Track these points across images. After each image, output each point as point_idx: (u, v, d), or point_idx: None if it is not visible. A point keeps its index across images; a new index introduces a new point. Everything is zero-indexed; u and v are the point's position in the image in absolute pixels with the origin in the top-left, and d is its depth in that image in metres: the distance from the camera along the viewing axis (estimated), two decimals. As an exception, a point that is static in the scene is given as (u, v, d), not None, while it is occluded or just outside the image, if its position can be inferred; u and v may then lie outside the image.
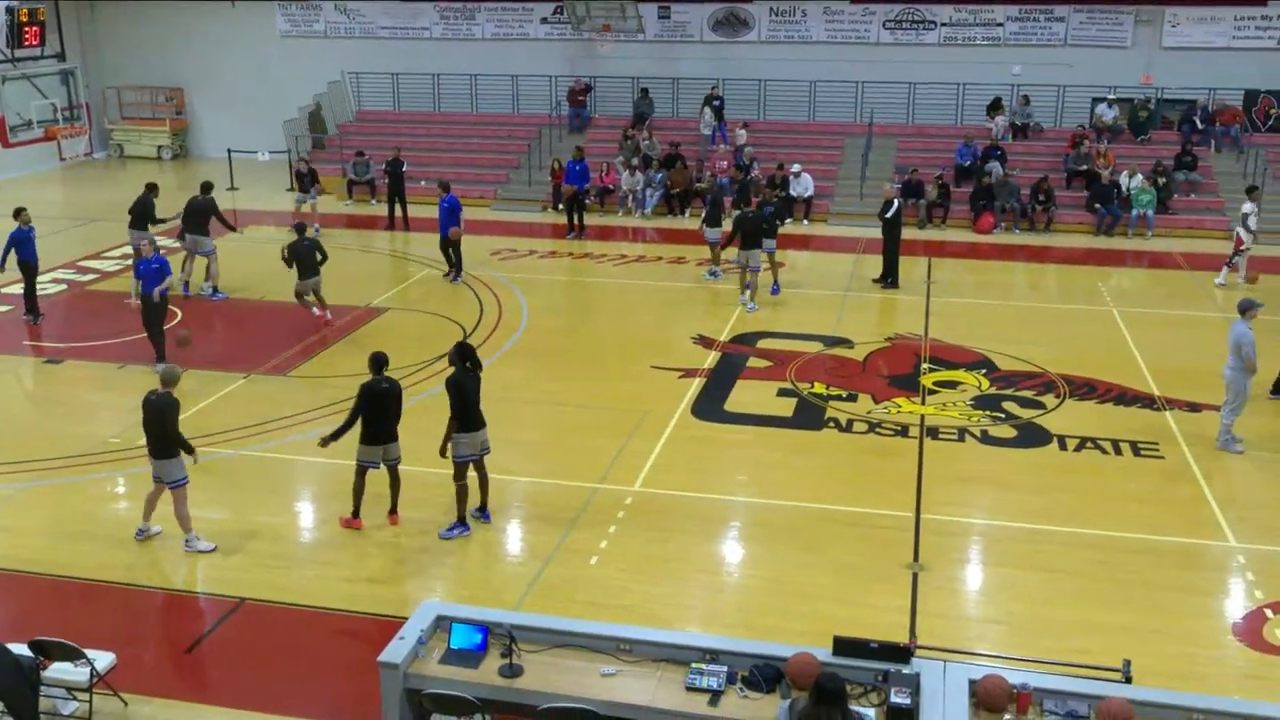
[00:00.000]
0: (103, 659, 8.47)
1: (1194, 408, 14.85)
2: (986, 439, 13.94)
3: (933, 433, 14.09)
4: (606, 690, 7.38)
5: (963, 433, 14.10)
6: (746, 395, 15.38)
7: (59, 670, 8.32)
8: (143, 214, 19.62)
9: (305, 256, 17.71)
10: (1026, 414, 14.69)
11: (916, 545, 11.28)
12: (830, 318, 18.85)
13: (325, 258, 17.98)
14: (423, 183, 26.91)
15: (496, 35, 32.07)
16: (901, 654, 7.35)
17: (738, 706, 7.19)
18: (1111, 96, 28.07)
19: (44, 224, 21.80)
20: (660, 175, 27.16)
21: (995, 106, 28.37)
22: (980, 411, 14.77)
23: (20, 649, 8.17)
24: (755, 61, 30.15)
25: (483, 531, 11.54)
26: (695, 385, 15.68)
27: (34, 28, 25.30)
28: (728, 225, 20.75)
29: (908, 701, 6.98)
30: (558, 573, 10.75)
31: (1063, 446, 13.72)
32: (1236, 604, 10.46)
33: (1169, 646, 9.61)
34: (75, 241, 23.96)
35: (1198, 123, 27.39)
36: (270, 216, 25.41)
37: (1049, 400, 15.16)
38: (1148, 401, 15.17)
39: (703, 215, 21.63)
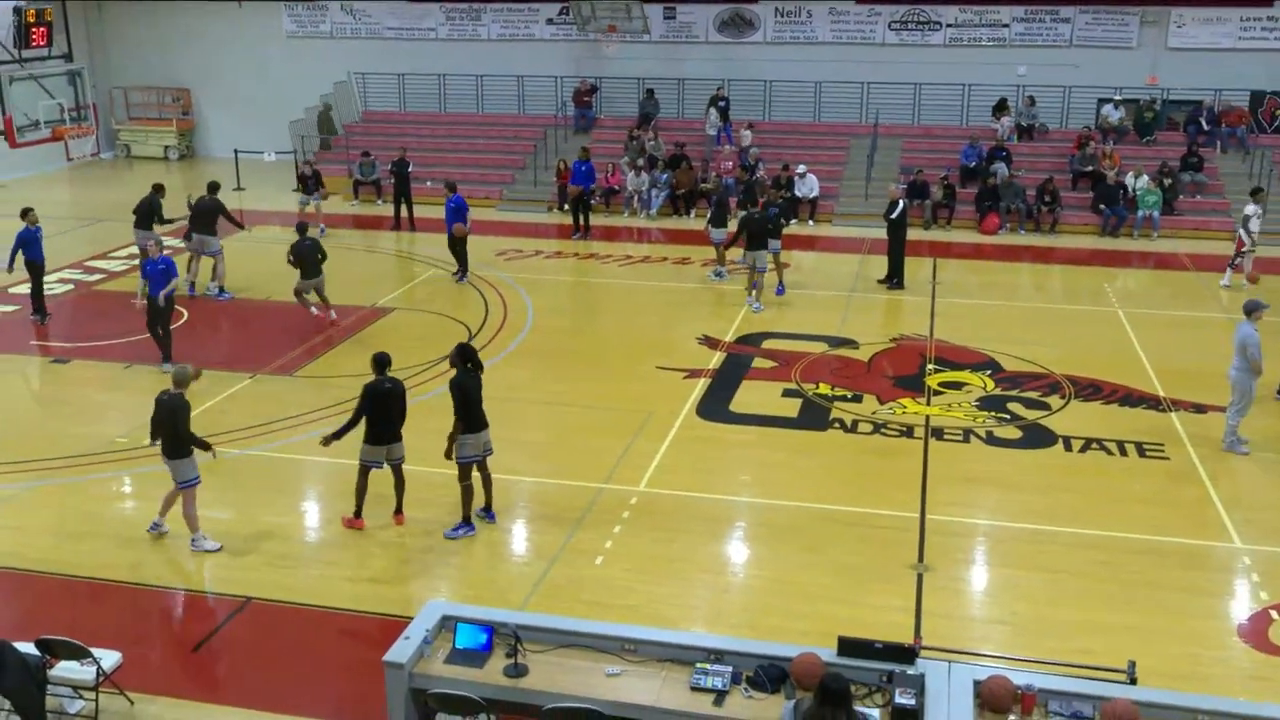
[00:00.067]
0: (109, 658, 8.50)
1: (1199, 409, 14.83)
2: (991, 440, 13.94)
3: (938, 433, 14.09)
4: (611, 690, 7.39)
5: (968, 434, 14.10)
6: (751, 396, 15.38)
7: (65, 669, 8.35)
8: (148, 214, 19.68)
9: (306, 256, 17.77)
10: (1032, 415, 14.69)
11: (921, 546, 11.29)
12: (835, 318, 18.85)
13: (324, 257, 18.03)
14: (428, 183, 26.96)
15: (502, 36, 32.11)
16: (906, 655, 7.35)
17: (742, 707, 7.19)
18: (1117, 97, 28.04)
19: (51, 224, 21.88)
20: (665, 176, 27.17)
21: (1000, 107, 28.35)
22: (985, 412, 14.77)
23: (27, 648, 8.21)
24: (760, 62, 30.15)
25: (488, 531, 11.56)
26: (700, 386, 15.68)
27: (41, 28, 25.27)
28: (733, 226, 20.76)
29: (912, 702, 6.99)
30: (563, 573, 10.76)
31: (1068, 447, 13.72)
32: (1242, 605, 10.45)
33: (1173, 647, 9.61)
34: (82, 242, 24.03)
35: (1203, 124, 27.35)
36: (276, 217, 25.44)
37: (1054, 401, 15.15)
38: (1153, 402, 15.16)
39: (708, 216, 21.64)
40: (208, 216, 19.72)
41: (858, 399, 15.23)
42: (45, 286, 18.66)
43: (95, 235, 24.64)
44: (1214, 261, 22.27)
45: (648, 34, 29.99)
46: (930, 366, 16.50)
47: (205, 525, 11.24)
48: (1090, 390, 15.54)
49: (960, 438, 13.99)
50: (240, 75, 34.08)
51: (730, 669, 7.42)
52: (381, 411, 11.26)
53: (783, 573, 10.83)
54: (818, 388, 15.64)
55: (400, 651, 7.66)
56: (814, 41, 30.08)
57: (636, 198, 27.09)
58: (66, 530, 11.58)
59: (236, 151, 30.47)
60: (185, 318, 18.37)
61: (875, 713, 7.01)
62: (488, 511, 11.69)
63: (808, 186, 26.41)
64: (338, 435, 11.29)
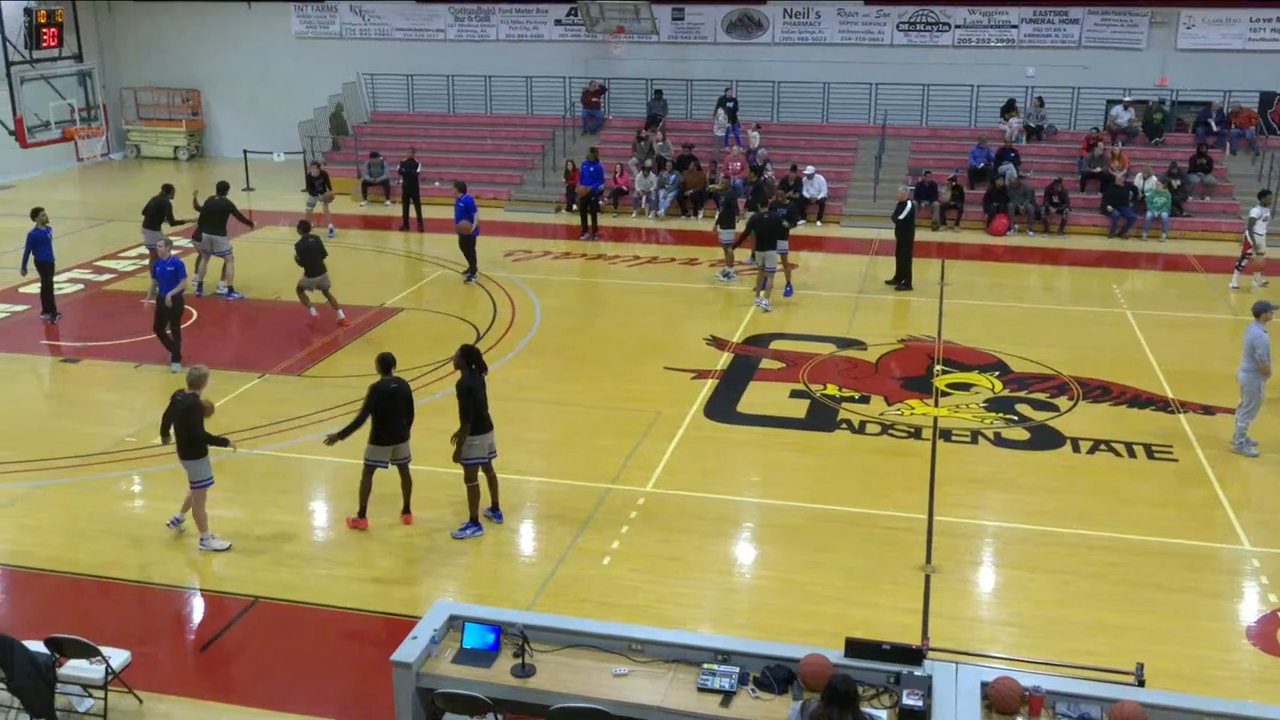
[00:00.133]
0: (118, 656, 8.53)
1: (1208, 410, 14.80)
2: (999, 441, 13.92)
3: (945, 435, 14.08)
4: (618, 690, 7.40)
5: (975, 435, 14.09)
6: (759, 396, 15.38)
7: (74, 667, 8.37)
8: (157, 214, 19.75)
9: (309, 255, 17.83)
10: (1040, 416, 14.67)
11: (929, 547, 11.28)
12: (843, 319, 18.84)
13: (324, 255, 18.10)
14: (436, 184, 27.01)
15: (511, 37, 32.14)
16: (914, 656, 7.35)
17: (749, 707, 7.20)
18: (1126, 98, 27.98)
19: (61, 224, 21.96)
20: (674, 177, 27.18)
21: (1009, 108, 28.32)
22: (993, 414, 14.75)
23: (37, 646, 8.25)
24: (769, 63, 30.17)
25: (495, 531, 11.58)
26: (708, 386, 15.69)
27: (52, 29, 25.39)
28: (741, 226, 20.76)
29: (920, 704, 6.99)
30: (570, 572, 10.78)
31: (1076, 449, 13.70)
32: (1250, 607, 10.43)
33: (1181, 649, 9.59)
34: (92, 242, 24.11)
35: (1213, 125, 27.31)
36: (285, 217, 25.47)
37: (1062, 402, 15.13)
38: (1162, 404, 15.13)
39: (716, 216, 21.64)
40: (217, 216, 19.79)
41: (865, 400, 15.22)
42: (55, 286, 18.73)
43: (105, 235, 24.72)
44: (1223, 263, 22.21)
45: (656, 35, 30.00)
46: (938, 368, 16.48)
47: (214, 524, 11.27)
48: (1099, 392, 15.51)
49: (968, 439, 13.98)
50: (249, 76, 34.19)
51: (737, 670, 7.43)
52: (387, 412, 11.28)
53: (790, 573, 10.83)
54: (825, 389, 15.63)
55: (408, 651, 7.68)
56: (822, 42, 30.07)
57: (645, 198, 27.11)
58: (76, 529, 11.62)
59: (245, 152, 30.54)
60: (195, 317, 18.43)
61: (883, 714, 7.01)
62: (495, 511, 11.72)
63: (816, 187, 26.41)
64: (342, 435, 11.31)
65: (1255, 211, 20.65)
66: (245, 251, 21.42)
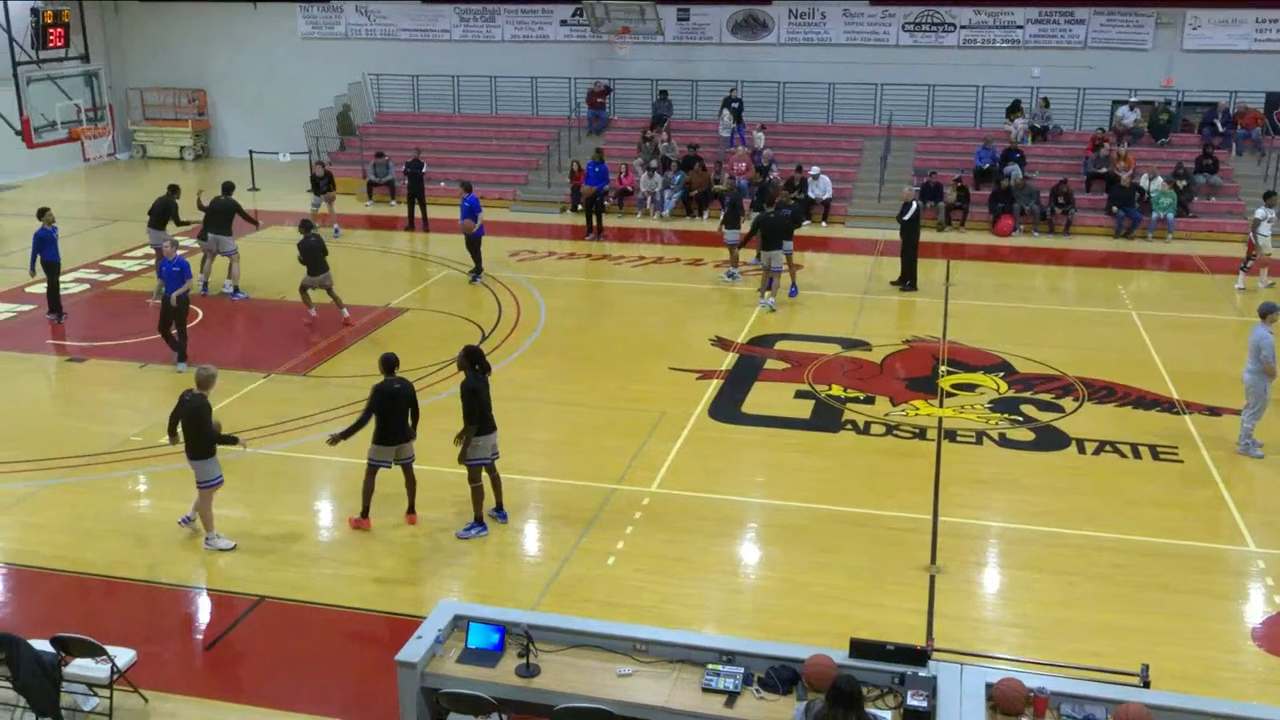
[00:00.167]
0: (123, 655, 8.54)
1: (1214, 411, 14.78)
2: (1004, 442, 13.91)
3: (950, 435, 14.07)
4: (623, 691, 7.40)
5: (981, 435, 14.08)
6: (764, 397, 15.38)
7: (80, 666, 8.40)
8: (162, 214, 19.80)
9: (311, 254, 17.88)
10: (1045, 417, 14.65)
11: (934, 548, 11.27)
12: (848, 320, 18.84)
13: (325, 253, 18.14)
14: (442, 184, 27.04)
15: (516, 37, 32.17)
16: (918, 657, 7.35)
17: (754, 708, 7.20)
18: (1132, 99, 27.94)
19: (67, 224, 22.02)
20: (679, 177, 27.19)
21: (1014, 109, 28.30)
22: (998, 414, 14.74)
23: (42, 645, 8.27)
24: (774, 64, 30.18)
25: (500, 531, 11.59)
26: (713, 387, 15.69)
27: (58, 29, 25.45)
28: (746, 227, 20.77)
29: (925, 704, 6.99)
30: (574, 573, 10.78)
31: (1081, 450, 13.69)
32: (1256, 609, 10.41)
33: (1187, 651, 9.57)
34: (98, 241, 24.16)
35: (1219, 125, 27.25)
36: (290, 217, 25.46)
37: (1068, 403, 15.12)
38: (1167, 405, 15.11)
39: (721, 217, 21.64)
40: (223, 216, 19.83)
41: (870, 401, 15.22)
42: (61, 286, 18.77)
43: (111, 235, 24.77)
44: (1228, 264, 22.18)
45: (661, 35, 30.03)
46: (943, 368, 16.47)
47: (220, 524, 11.29)
48: (1104, 393, 15.49)
49: (973, 440, 13.97)
50: (255, 76, 34.25)
51: (742, 670, 7.43)
52: (390, 412, 11.29)
53: (794, 574, 10.83)
54: (830, 389, 15.63)
55: (412, 651, 7.69)
56: (827, 43, 30.07)
57: (650, 199, 27.11)
58: (82, 528, 11.64)
59: (251, 152, 30.61)
60: (200, 317, 18.46)
61: (887, 715, 7.01)
62: (499, 511, 11.73)
63: (821, 188, 26.40)
64: (345, 435, 11.31)
65: (1260, 213, 20.60)
66: (250, 251, 21.45)
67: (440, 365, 15.93)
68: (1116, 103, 28.25)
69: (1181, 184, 25.42)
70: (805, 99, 29.98)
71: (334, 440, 11.32)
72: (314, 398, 15.20)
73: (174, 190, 20.19)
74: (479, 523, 11.47)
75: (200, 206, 20.11)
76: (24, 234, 18.62)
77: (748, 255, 21.30)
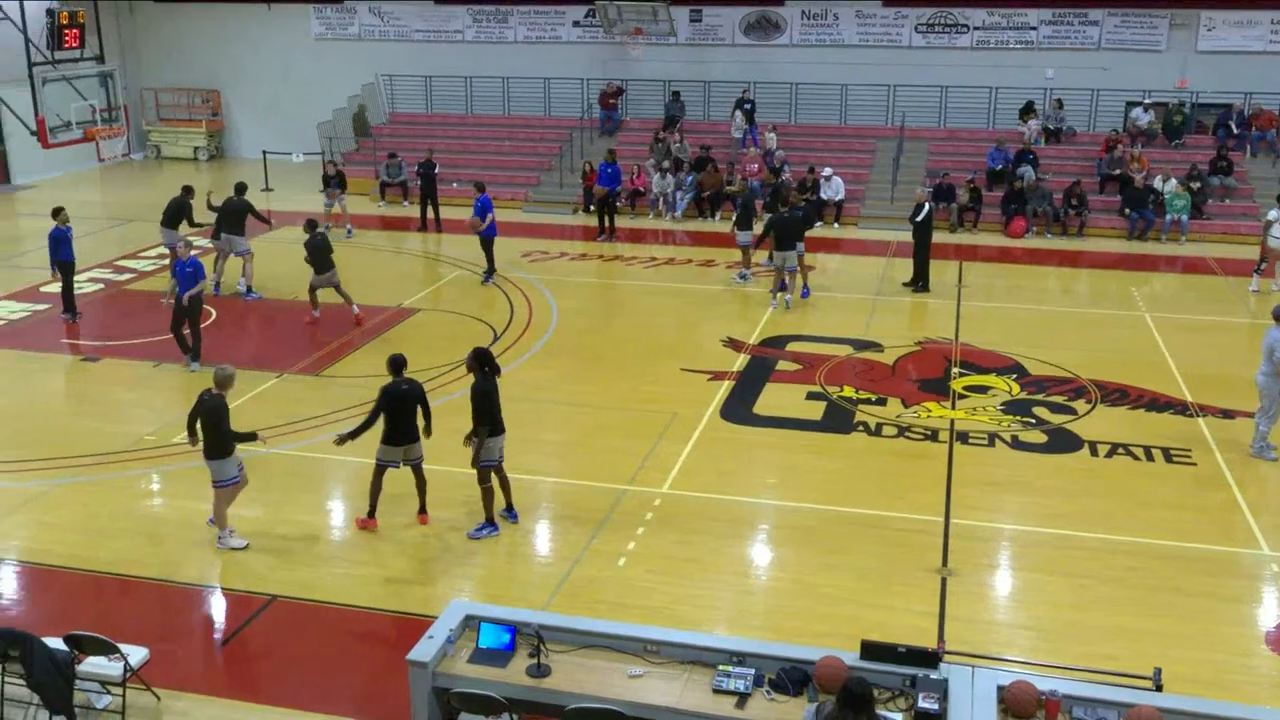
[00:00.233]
0: (136, 654, 8.57)
1: (1227, 414, 14.72)
2: (1017, 444, 13.88)
3: (962, 437, 14.04)
4: (633, 691, 7.41)
5: (993, 438, 14.05)
6: (776, 398, 15.37)
7: (93, 664, 8.43)
8: (176, 215, 19.89)
9: (316, 252, 17.93)
10: (1057, 419, 14.61)
11: (945, 550, 11.25)
12: (860, 321, 18.82)
13: (330, 251, 18.21)
14: (454, 184, 27.09)
15: (528, 38, 32.21)
16: (929, 659, 7.34)
17: (764, 709, 7.20)
18: (1146, 101, 27.84)
19: (82, 224, 22.11)
20: (691, 178, 27.19)
21: (1028, 110, 28.23)
22: (1011, 416, 14.71)
23: (56, 643, 8.31)
24: (786, 65, 30.15)
25: (511, 532, 11.61)
26: (724, 388, 15.69)
27: (74, 30, 25.60)
28: (758, 228, 20.76)
29: (936, 707, 6.98)
30: (585, 573, 10.79)
31: (1094, 452, 13.65)
32: (1269, 612, 10.38)
33: (1200, 654, 9.54)
34: (112, 241, 24.26)
35: (1233, 127, 27.14)
36: (303, 218, 25.45)
37: (1080, 405, 15.07)
38: (1180, 407, 15.06)
39: (733, 218, 21.63)
40: (236, 216, 19.91)
41: (882, 402, 15.20)
42: (76, 285, 18.86)
43: (125, 235, 24.88)
44: (1242, 266, 22.10)
45: (674, 36, 30.03)
46: (955, 370, 16.44)
47: (232, 523, 11.33)
48: (1116, 395, 15.45)
49: (985, 442, 13.94)
50: (269, 77, 34.37)
51: (752, 671, 7.43)
52: (398, 413, 11.31)
53: (806, 575, 10.82)
54: (842, 390, 15.61)
55: (424, 650, 7.71)
56: (840, 44, 30.04)
57: (662, 200, 27.12)
58: (96, 527, 11.69)
59: (265, 153, 30.71)
60: (214, 317, 18.53)
61: (898, 717, 7.01)
62: (510, 511, 11.74)
63: (833, 189, 26.38)
64: (352, 435, 11.33)
65: (1273, 214, 20.51)
66: (263, 251, 21.52)
67: (452, 365, 15.96)
68: (1130, 104, 28.16)
69: (1195, 186, 25.32)
70: (818, 100, 29.97)
71: (340, 440, 11.34)
72: (326, 397, 15.24)
73: (188, 191, 20.27)
74: (490, 523, 11.48)
75: (210, 207, 20.18)
76: (39, 234, 18.71)
77: (759, 256, 21.30)
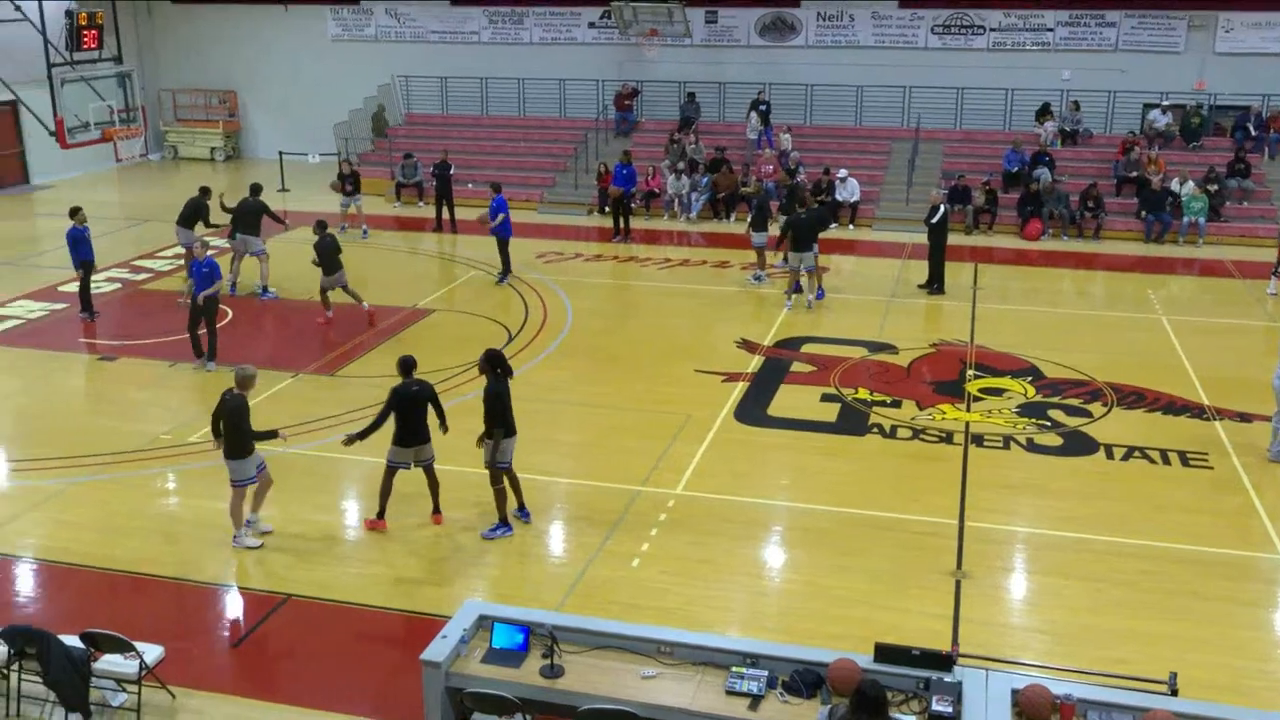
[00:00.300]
0: (152, 652, 8.62)
1: (1245, 418, 14.64)
2: (1032, 447, 13.84)
3: (977, 440, 14.00)
4: (646, 692, 7.42)
5: (1008, 440, 14.00)
6: (790, 400, 15.35)
7: (109, 662, 8.48)
8: (192, 215, 19.98)
9: (325, 253, 17.99)
10: (1073, 422, 14.56)
11: (960, 552, 11.22)
12: (875, 323, 18.78)
13: (339, 252, 18.27)
14: (470, 185, 27.13)
15: (544, 40, 32.25)
16: (944, 662, 7.33)
17: (778, 711, 7.20)
18: (1164, 102, 27.70)
19: (100, 224, 22.22)
20: (706, 179, 27.18)
21: (1044, 112, 28.12)
22: (1026, 419, 14.66)
23: (72, 640, 8.36)
24: (802, 66, 30.11)
25: (524, 532, 11.62)
26: (739, 389, 15.68)
27: (92, 31, 25.72)
28: (774, 229, 20.74)
29: (950, 710, 6.97)
30: (599, 574, 10.80)
31: (1110, 455, 13.59)
32: (1286, 617, 10.33)
33: (1216, 658, 9.49)
34: (130, 241, 24.38)
35: (1251, 129, 26.99)
36: (318, 218, 25.65)
37: (1096, 408, 15.01)
38: (1197, 411, 14.98)
39: (749, 219, 21.62)
40: (251, 217, 19.99)
41: (897, 404, 15.16)
42: (93, 285, 18.96)
43: (142, 235, 25.00)
44: (1260, 269, 21.98)
45: (689, 38, 30.02)
46: (970, 372, 16.39)
47: (256, 514, 11.41)
48: (1133, 398, 15.38)
49: (1000, 444, 13.90)
50: (285, 78, 34.50)
51: (766, 673, 7.43)
52: (409, 414, 11.33)
53: (819, 577, 10.81)
54: (857, 392, 15.58)
55: (437, 650, 7.73)
56: (856, 45, 29.99)
57: (677, 201, 27.11)
58: (112, 525, 11.75)
59: (281, 153, 30.81)
60: (230, 317, 18.60)
61: None
62: (522, 511, 11.75)
63: (848, 191, 26.33)
64: (361, 436, 11.34)
65: (1286, 216, 20.42)
66: (278, 252, 21.59)
67: (466, 366, 15.98)
68: (1148, 106, 28.03)
69: (1213, 188, 25.18)
70: (833, 101, 29.92)
71: (349, 441, 11.37)
72: (342, 398, 15.28)
73: (205, 191, 20.35)
74: (504, 523, 11.50)
75: (224, 208, 20.25)
76: (57, 234, 18.83)
77: (773, 258, 21.28)
